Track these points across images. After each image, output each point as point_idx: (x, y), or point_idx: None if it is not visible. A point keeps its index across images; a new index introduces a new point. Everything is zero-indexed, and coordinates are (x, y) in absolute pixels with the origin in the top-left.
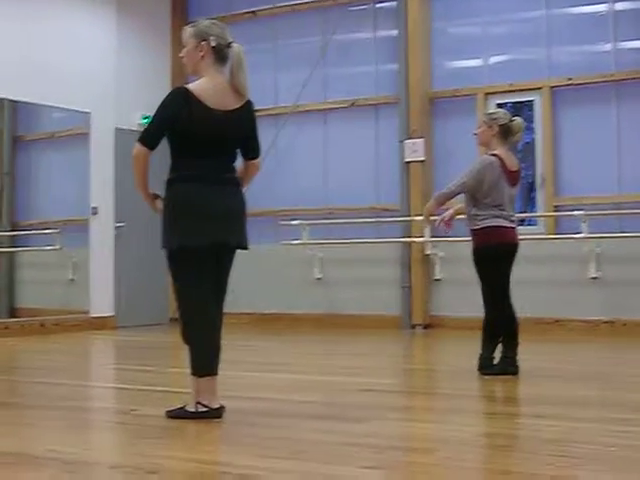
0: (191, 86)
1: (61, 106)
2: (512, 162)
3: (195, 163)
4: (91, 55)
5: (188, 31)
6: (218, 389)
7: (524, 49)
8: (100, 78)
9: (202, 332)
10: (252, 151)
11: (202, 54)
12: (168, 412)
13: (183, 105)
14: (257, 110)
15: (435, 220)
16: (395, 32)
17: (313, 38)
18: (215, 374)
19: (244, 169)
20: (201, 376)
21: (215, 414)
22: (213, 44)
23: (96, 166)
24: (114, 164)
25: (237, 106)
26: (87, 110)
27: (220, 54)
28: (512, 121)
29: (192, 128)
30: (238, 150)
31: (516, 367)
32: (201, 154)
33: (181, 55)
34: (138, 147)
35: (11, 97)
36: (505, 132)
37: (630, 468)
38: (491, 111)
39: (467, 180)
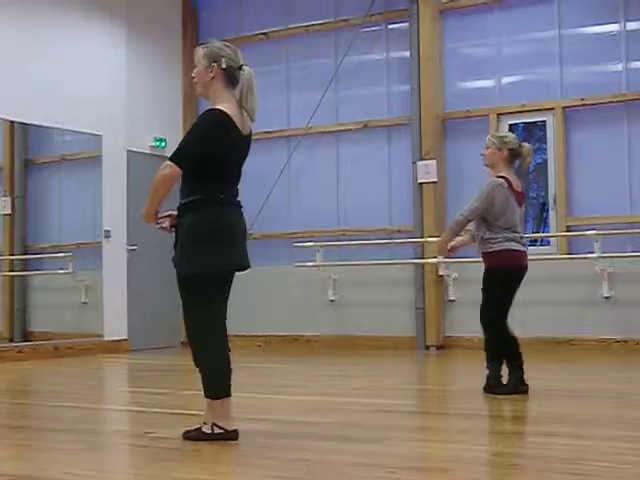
0: (227, 110)
1: (72, 129)
2: (517, 183)
3: (220, 186)
4: (102, 77)
5: (200, 52)
6: (233, 410)
7: (536, 69)
8: (111, 100)
9: (219, 355)
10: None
11: (212, 76)
12: (184, 434)
13: (223, 130)
14: (270, 132)
15: (450, 249)
16: (407, 53)
17: (325, 59)
18: (227, 396)
19: None
20: (217, 398)
21: (231, 436)
22: (224, 66)
23: (108, 189)
24: (126, 187)
25: (249, 131)
26: (98, 132)
27: (231, 77)
28: (522, 146)
29: (225, 152)
30: None
31: (526, 385)
32: (225, 177)
33: (192, 75)
34: (173, 168)
35: (22, 120)
36: (513, 156)
37: None
38: (502, 134)
39: (478, 204)
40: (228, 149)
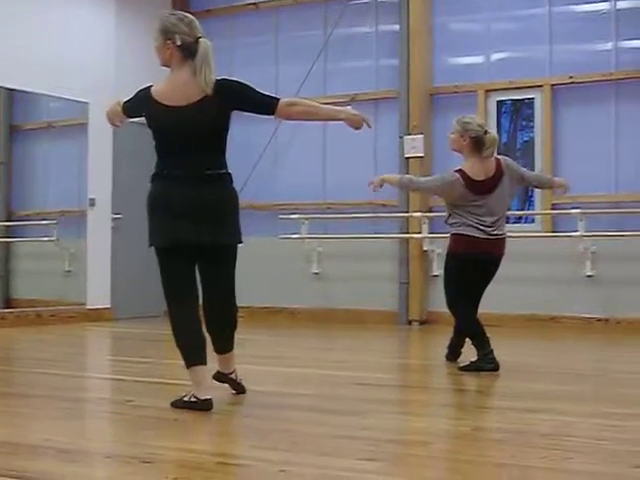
0: (153, 87)
1: (59, 95)
2: (479, 172)
3: (162, 161)
4: (90, 44)
5: (155, 27)
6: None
7: (525, 46)
8: (99, 68)
9: (179, 324)
10: (264, 109)
11: (169, 52)
12: (172, 402)
13: (142, 105)
14: None
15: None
16: (396, 27)
17: (314, 31)
18: (194, 365)
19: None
20: (187, 367)
21: (202, 405)
22: (179, 43)
23: (94, 157)
24: (112, 155)
25: (198, 99)
26: (85, 100)
27: (187, 51)
28: (486, 133)
29: (153, 127)
30: (214, 144)
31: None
32: (166, 152)
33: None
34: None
35: (8, 86)
36: (477, 144)
37: (619, 460)
38: (466, 119)
39: (431, 186)
40: (157, 125)
